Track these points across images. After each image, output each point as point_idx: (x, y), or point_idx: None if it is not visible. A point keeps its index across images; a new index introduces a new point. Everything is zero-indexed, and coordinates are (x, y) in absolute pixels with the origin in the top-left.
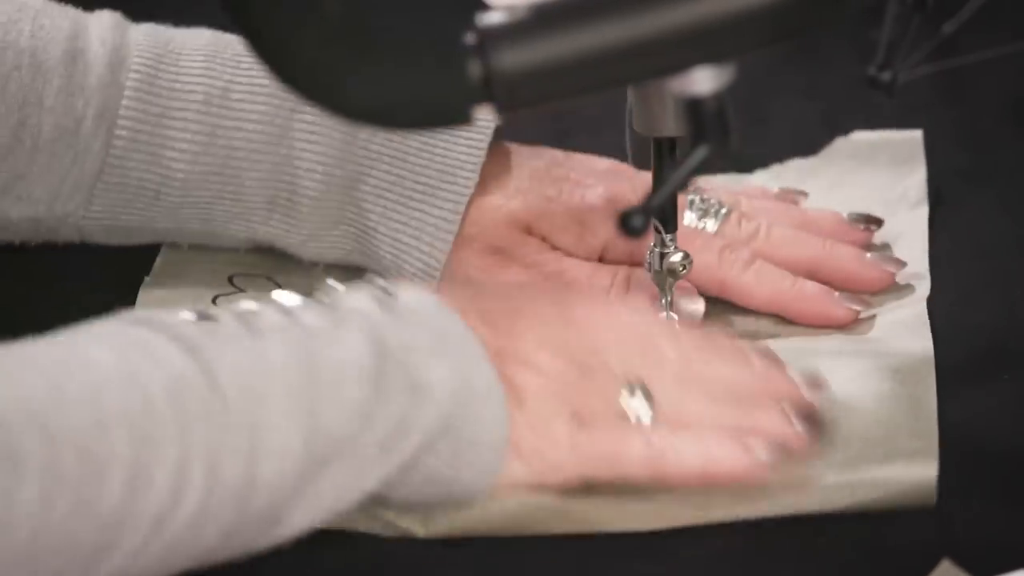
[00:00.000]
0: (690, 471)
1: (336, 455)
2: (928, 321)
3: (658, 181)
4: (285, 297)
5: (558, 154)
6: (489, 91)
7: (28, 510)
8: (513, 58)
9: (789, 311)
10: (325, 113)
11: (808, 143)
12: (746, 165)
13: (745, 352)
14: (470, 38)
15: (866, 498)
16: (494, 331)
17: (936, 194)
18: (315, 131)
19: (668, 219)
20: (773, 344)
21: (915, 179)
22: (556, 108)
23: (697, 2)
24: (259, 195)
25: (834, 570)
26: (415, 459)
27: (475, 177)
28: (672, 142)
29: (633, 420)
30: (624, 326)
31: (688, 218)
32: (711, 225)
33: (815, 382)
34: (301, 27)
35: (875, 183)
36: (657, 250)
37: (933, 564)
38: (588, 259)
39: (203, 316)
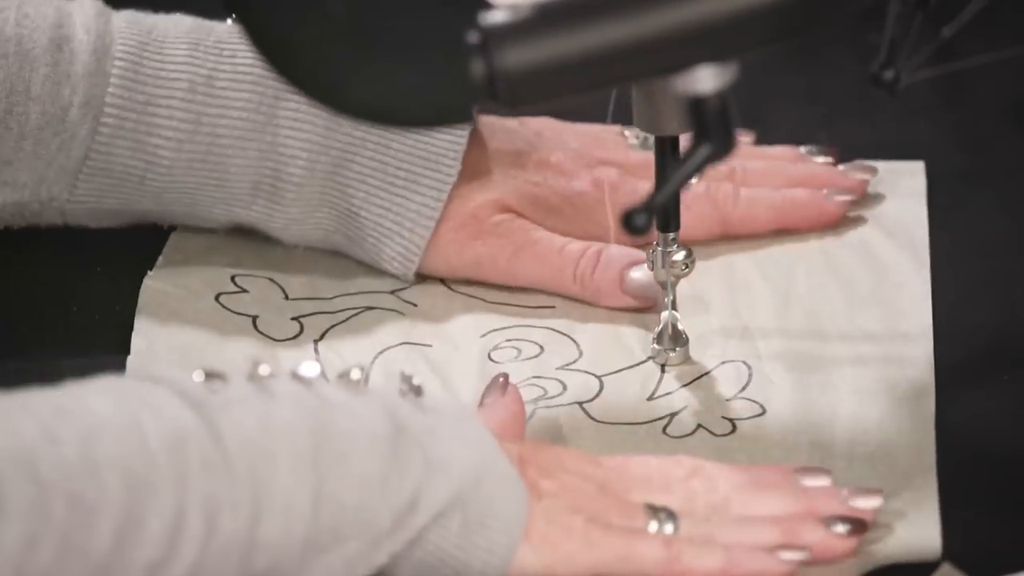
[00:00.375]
0: (710, 572)
1: (349, 526)
2: (931, 336)
3: (661, 179)
4: (306, 368)
5: (530, 133)
6: (492, 90)
7: (11, 550)
8: (516, 57)
9: (789, 222)
10: (324, 109)
11: (806, 145)
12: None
13: (792, 482)
14: (473, 37)
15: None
16: (519, 447)
17: (936, 196)
18: (300, 118)
19: (670, 218)
20: (772, 345)
21: (915, 198)
22: (559, 106)
23: (699, 1)
24: (243, 181)
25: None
26: (424, 535)
27: (457, 166)
28: (675, 140)
29: (654, 530)
30: (655, 467)
31: None
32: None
33: (867, 492)
34: (303, 26)
35: (875, 198)
36: (660, 249)
37: (934, 567)
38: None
39: (212, 376)
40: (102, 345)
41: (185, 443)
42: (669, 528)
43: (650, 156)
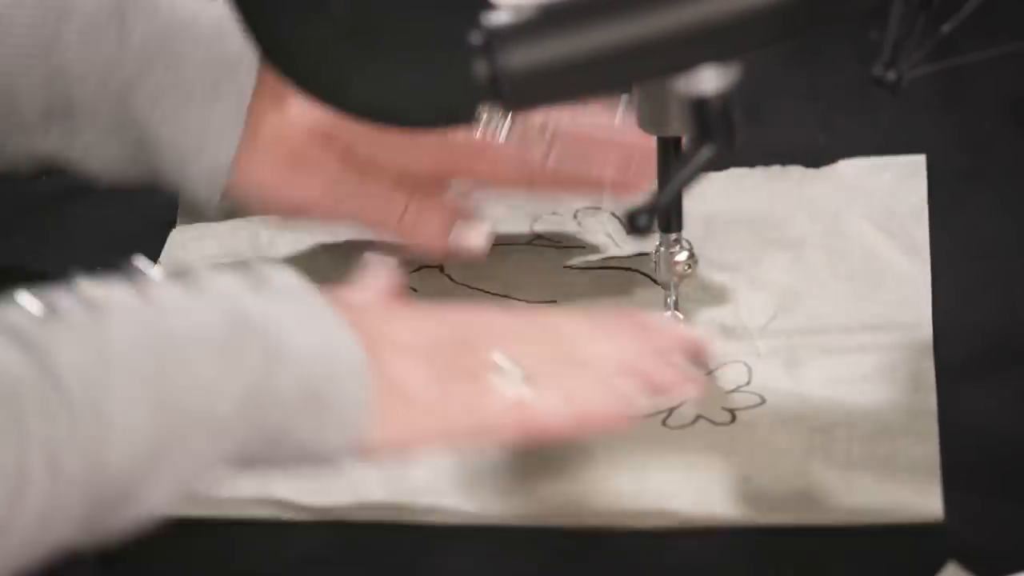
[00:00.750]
0: (559, 419)
1: (189, 427)
2: (931, 337)
3: (663, 180)
4: (145, 266)
5: None
6: (496, 90)
7: None
8: (519, 58)
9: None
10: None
11: (808, 145)
12: (747, 160)
13: (637, 323)
14: (477, 37)
15: (872, 520)
16: (365, 318)
17: (936, 195)
18: (86, 38)
19: (672, 219)
20: (772, 343)
21: (915, 194)
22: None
23: (702, 2)
24: (34, 106)
25: (839, 573)
26: (278, 427)
27: (254, 72)
28: (677, 141)
29: (500, 379)
30: (499, 321)
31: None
32: (503, 133)
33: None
34: (307, 26)
35: (875, 194)
36: (663, 250)
37: (939, 566)
38: (392, 169)
39: (45, 304)
40: None
41: (19, 390)
42: (515, 377)
43: None
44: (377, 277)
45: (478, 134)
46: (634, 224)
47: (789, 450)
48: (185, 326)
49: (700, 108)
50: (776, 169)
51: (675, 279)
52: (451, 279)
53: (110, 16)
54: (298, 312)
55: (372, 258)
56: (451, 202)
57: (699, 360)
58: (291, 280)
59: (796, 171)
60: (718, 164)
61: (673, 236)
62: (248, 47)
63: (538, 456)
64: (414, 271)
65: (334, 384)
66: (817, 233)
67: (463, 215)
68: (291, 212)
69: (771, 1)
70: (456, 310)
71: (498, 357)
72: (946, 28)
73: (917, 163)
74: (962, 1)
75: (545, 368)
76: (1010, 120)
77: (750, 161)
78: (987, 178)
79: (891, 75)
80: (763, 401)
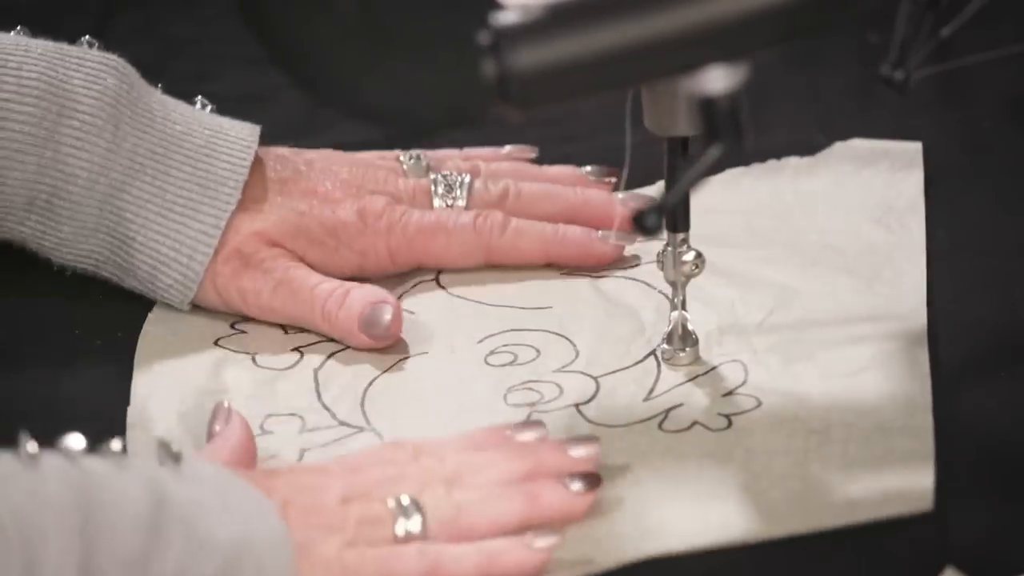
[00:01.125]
0: (469, 573)
1: None
2: (925, 328)
3: (671, 179)
4: (71, 440)
5: (301, 162)
6: (504, 90)
7: None
8: (527, 57)
9: (557, 258)
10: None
11: (806, 145)
12: (743, 159)
13: (510, 440)
14: (485, 37)
15: (866, 516)
16: (275, 485)
17: (936, 194)
18: (82, 136)
19: (679, 219)
20: (769, 340)
21: (912, 186)
22: (569, 107)
23: (709, 1)
24: (19, 195)
25: (837, 575)
26: None
27: (237, 194)
28: (685, 141)
29: (403, 534)
30: (384, 460)
31: (436, 202)
32: (461, 198)
33: (581, 441)
34: (315, 25)
35: (872, 187)
36: (670, 250)
37: (936, 571)
38: (341, 274)
39: None
40: (101, 367)
41: None
42: (417, 522)
43: (417, 183)
44: (230, 430)
45: (431, 216)
46: (642, 225)
47: (786, 455)
48: (112, 497)
49: (708, 108)
50: (772, 163)
51: (683, 279)
52: (448, 292)
53: (106, 121)
54: (216, 495)
55: (220, 410)
56: (369, 289)
57: (592, 481)
58: (202, 462)
59: (792, 163)
60: (724, 165)
61: (680, 236)
62: (236, 167)
63: None
64: (412, 287)
65: (259, 570)
66: (813, 228)
67: (378, 300)
68: (236, 308)
69: (778, 1)
70: (330, 464)
71: (403, 516)
72: (946, 31)
73: (914, 151)
74: (964, 2)
75: (444, 508)
76: (1010, 120)
77: (749, 161)
78: (987, 177)
79: (899, 75)
80: (759, 404)
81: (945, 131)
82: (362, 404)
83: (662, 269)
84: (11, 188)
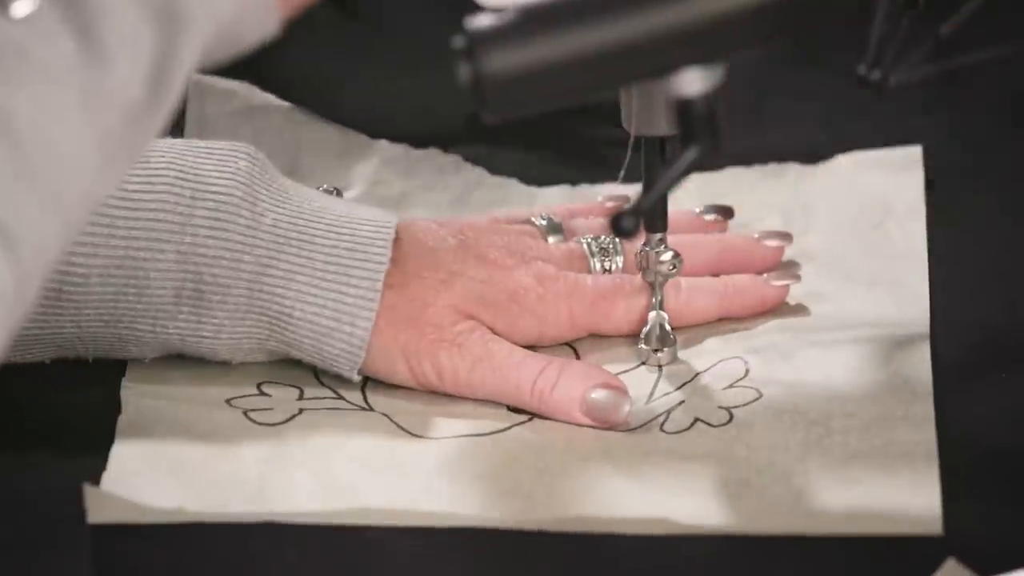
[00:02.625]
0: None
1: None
2: (928, 330)
3: (649, 181)
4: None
5: (454, 230)
6: (479, 95)
7: None
8: (502, 62)
9: (732, 311)
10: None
11: (805, 144)
12: (744, 159)
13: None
14: (459, 42)
15: (870, 529)
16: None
17: (935, 194)
18: (220, 217)
19: (657, 219)
20: (769, 339)
21: (912, 190)
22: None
23: (683, 4)
24: (165, 288)
25: (838, 570)
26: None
27: (388, 252)
28: (662, 141)
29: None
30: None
31: (594, 265)
32: (618, 260)
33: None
34: (294, 33)
35: (872, 191)
36: (647, 249)
37: (938, 563)
38: (521, 343)
39: None
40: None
41: None
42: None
43: (570, 247)
44: None
45: (606, 280)
46: (619, 227)
47: (787, 447)
48: None
49: (684, 110)
50: (773, 166)
51: (660, 279)
52: None
53: (242, 199)
54: None
55: None
56: (585, 368)
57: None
58: None
59: (793, 168)
60: (715, 164)
61: (658, 236)
62: (380, 228)
63: (536, 462)
64: None
65: None
66: (814, 231)
67: (598, 382)
68: (428, 385)
69: (752, 3)
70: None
71: None
72: (944, 30)
73: (913, 155)
74: (961, 1)
75: None
76: (1010, 120)
77: (749, 161)
78: (987, 178)
79: (875, 75)
80: (760, 395)
81: (945, 132)
82: (363, 389)
83: (640, 269)
84: (156, 282)
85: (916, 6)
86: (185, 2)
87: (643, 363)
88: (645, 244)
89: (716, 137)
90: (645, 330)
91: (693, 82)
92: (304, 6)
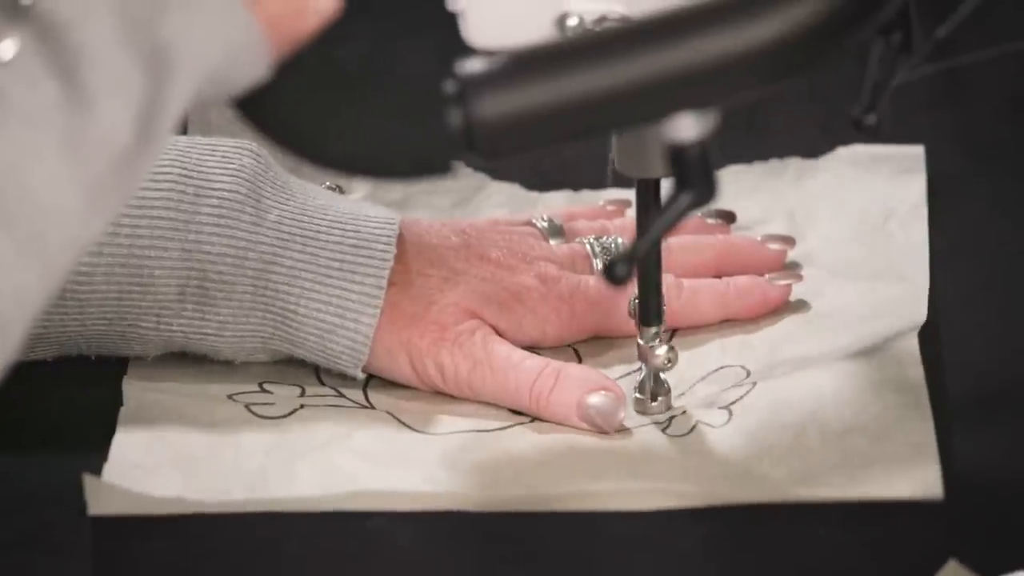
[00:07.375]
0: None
1: None
2: (917, 339)
3: (642, 225)
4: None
5: (452, 230)
6: (470, 140)
7: None
8: (493, 107)
9: (735, 312)
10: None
11: (806, 147)
12: (746, 160)
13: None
14: (450, 86)
15: (869, 494)
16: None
17: (936, 194)
18: (224, 214)
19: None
20: (763, 355)
21: (914, 191)
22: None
23: (677, 50)
24: (170, 286)
25: (839, 570)
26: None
27: (392, 249)
28: (656, 184)
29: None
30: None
31: (597, 265)
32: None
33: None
34: (279, 76)
35: (874, 192)
36: (641, 343)
37: (939, 564)
38: (523, 343)
39: None
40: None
41: None
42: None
43: (572, 248)
44: None
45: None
46: (612, 274)
47: (785, 427)
48: None
49: (678, 156)
50: (774, 163)
51: (654, 371)
52: None
53: (246, 196)
54: None
55: None
56: (584, 371)
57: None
58: None
59: (793, 163)
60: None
61: (653, 329)
62: (384, 225)
63: (538, 455)
64: None
65: None
66: (816, 231)
67: (595, 386)
68: (429, 384)
69: (747, 49)
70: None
71: None
72: (941, 31)
73: (915, 155)
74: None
75: None
76: (1010, 120)
77: (749, 161)
78: (987, 178)
79: (871, 119)
80: (760, 395)
81: (945, 132)
82: (365, 388)
83: (639, 358)
84: (160, 280)
85: (910, 50)
86: (175, 46)
87: (639, 412)
88: (640, 337)
89: (710, 183)
90: (640, 378)
91: (687, 128)
92: (294, 47)
